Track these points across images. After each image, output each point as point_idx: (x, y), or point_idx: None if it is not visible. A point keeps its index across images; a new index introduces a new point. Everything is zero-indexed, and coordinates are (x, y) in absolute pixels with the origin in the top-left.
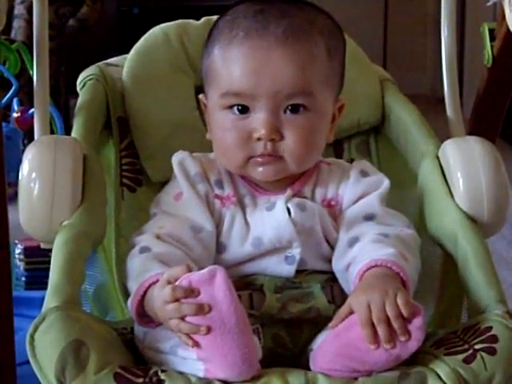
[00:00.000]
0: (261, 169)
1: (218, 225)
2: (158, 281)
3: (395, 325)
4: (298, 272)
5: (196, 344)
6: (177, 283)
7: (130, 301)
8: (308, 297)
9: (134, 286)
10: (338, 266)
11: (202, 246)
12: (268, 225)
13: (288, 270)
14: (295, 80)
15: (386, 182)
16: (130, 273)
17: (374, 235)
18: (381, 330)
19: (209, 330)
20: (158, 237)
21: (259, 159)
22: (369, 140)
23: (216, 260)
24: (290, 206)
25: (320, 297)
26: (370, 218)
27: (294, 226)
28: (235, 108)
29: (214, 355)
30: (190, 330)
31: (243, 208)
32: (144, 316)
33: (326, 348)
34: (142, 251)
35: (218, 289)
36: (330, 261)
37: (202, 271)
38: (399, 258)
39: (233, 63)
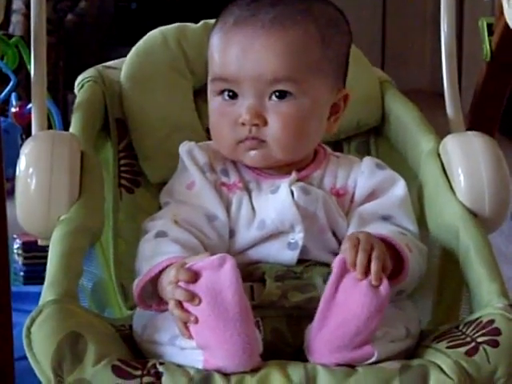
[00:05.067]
0: (249, 153)
1: (227, 211)
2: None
3: (374, 265)
4: (301, 262)
5: (189, 334)
6: (186, 266)
7: (138, 279)
8: (309, 287)
9: (145, 268)
10: None
11: (216, 234)
12: (271, 207)
13: (290, 255)
14: (277, 66)
15: (402, 183)
16: (143, 255)
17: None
18: (360, 258)
19: (196, 321)
20: (176, 222)
21: (246, 143)
22: (368, 141)
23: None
24: (293, 188)
25: (321, 288)
26: (386, 218)
27: (297, 209)
28: (226, 94)
29: (214, 341)
30: (180, 316)
31: (249, 193)
32: (145, 298)
33: (317, 338)
34: (157, 236)
35: (225, 276)
36: (334, 253)
37: (212, 257)
38: (406, 245)
39: (220, 49)
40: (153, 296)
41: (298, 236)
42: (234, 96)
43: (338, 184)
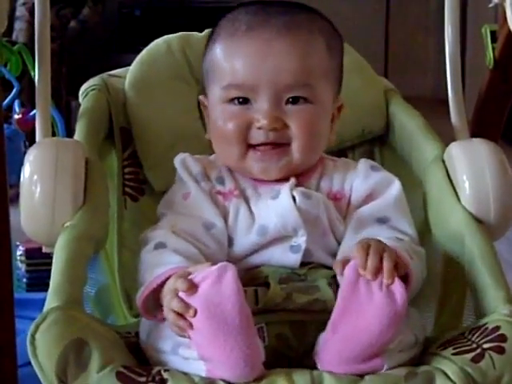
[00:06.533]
0: (261, 165)
1: (225, 219)
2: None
3: (386, 263)
4: (304, 265)
5: (187, 335)
6: (189, 277)
7: (141, 289)
8: (313, 289)
9: (147, 279)
10: None
11: (215, 242)
12: (273, 212)
13: (293, 259)
14: (296, 71)
15: (397, 183)
16: (144, 266)
17: (387, 237)
18: (371, 259)
19: (191, 327)
20: (174, 232)
21: (259, 151)
22: (373, 150)
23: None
24: (295, 193)
25: (326, 290)
26: (383, 221)
27: (300, 213)
28: (236, 100)
29: (215, 355)
30: (175, 323)
31: (246, 200)
32: (149, 308)
33: (327, 347)
34: (157, 247)
35: (225, 287)
36: (335, 256)
37: (213, 268)
38: (407, 252)
39: (235, 55)
40: (156, 306)
41: (300, 239)
42: (244, 102)
43: (335, 188)
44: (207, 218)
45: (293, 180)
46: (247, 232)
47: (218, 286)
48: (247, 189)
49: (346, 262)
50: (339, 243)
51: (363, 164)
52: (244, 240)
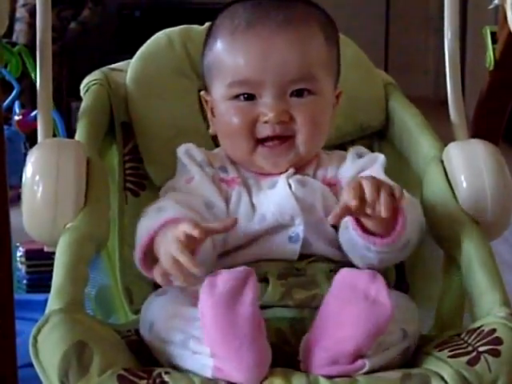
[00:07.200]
0: (271, 160)
1: (226, 204)
2: (177, 220)
3: (384, 195)
4: (303, 257)
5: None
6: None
7: (139, 240)
8: (312, 284)
9: (145, 234)
10: (344, 234)
11: (215, 219)
12: (271, 201)
13: (292, 249)
14: (299, 65)
15: (382, 157)
16: (143, 225)
17: None
18: (368, 191)
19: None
20: (176, 202)
21: (267, 147)
22: (372, 144)
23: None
24: (291, 181)
25: (325, 285)
26: None
27: (296, 201)
28: (241, 97)
29: (229, 356)
30: (171, 269)
31: (248, 189)
32: (148, 263)
33: (311, 352)
34: (158, 210)
35: (246, 293)
36: (333, 245)
37: (238, 269)
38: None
39: (237, 52)
40: (153, 262)
41: (298, 229)
42: (250, 98)
43: (329, 175)
44: (209, 199)
45: (291, 170)
46: (248, 221)
47: (240, 289)
48: (249, 178)
49: (343, 210)
50: (337, 230)
51: (350, 152)
52: (245, 228)
